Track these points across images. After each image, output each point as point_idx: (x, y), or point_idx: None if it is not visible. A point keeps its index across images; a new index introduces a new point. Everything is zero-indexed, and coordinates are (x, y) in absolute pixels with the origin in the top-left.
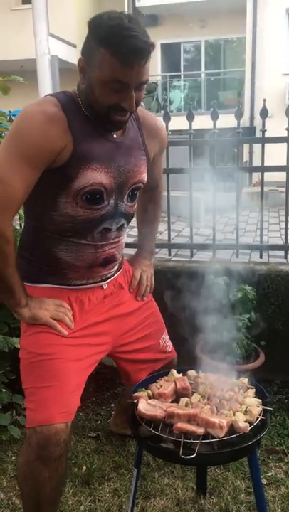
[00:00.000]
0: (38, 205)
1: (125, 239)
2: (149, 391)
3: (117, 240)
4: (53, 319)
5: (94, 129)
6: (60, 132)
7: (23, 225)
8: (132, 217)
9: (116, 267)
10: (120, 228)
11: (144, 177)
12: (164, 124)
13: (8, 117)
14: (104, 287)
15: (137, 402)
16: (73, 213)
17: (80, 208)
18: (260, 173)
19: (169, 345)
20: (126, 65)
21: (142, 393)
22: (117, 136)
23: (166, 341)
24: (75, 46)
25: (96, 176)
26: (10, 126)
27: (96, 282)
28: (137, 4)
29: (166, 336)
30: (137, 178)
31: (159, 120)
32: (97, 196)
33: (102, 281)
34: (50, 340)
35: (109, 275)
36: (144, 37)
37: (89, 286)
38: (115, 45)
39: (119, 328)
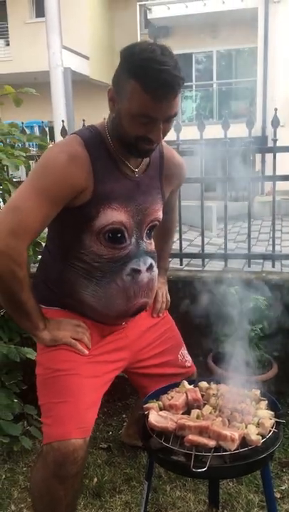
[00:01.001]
0: (66, 243)
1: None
2: (160, 402)
3: (151, 286)
4: (73, 339)
5: (116, 167)
6: (82, 172)
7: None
8: (155, 254)
9: None
10: (150, 268)
11: (160, 215)
12: (184, 163)
13: (21, 129)
14: (124, 324)
15: (148, 413)
16: (99, 252)
17: (103, 246)
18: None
19: (188, 360)
20: (156, 100)
21: (153, 404)
22: (138, 174)
23: (184, 356)
24: (87, 58)
25: (116, 215)
26: (35, 164)
27: (119, 324)
28: (149, 16)
29: (184, 351)
30: (153, 215)
31: (181, 159)
32: (119, 235)
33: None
34: (67, 356)
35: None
36: (175, 71)
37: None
38: (146, 79)
39: (137, 344)
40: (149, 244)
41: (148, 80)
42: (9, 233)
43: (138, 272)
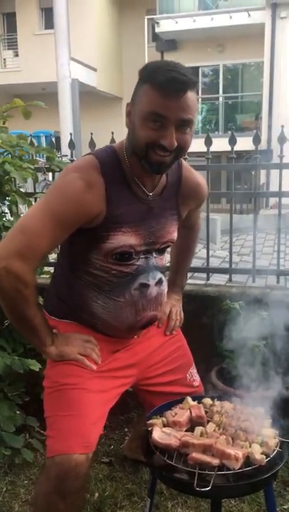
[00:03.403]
0: (74, 257)
1: (166, 297)
2: (164, 419)
3: (160, 300)
4: (80, 355)
5: (130, 190)
6: (97, 198)
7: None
8: (165, 269)
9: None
10: (159, 283)
11: (174, 236)
12: (204, 182)
13: (29, 140)
14: (135, 337)
15: (152, 429)
16: (106, 268)
17: (111, 264)
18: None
19: (197, 380)
20: (164, 96)
21: (157, 421)
22: (152, 197)
23: (193, 375)
24: (95, 70)
25: (126, 239)
26: (50, 186)
27: (130, 338)
28: (157, 29)
29: (193, 370)
30: (166, 237)
31: (201, 179)
32: (126, 256)
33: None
34: (75, 371)
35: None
36: (184, 71)
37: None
38: (156, 78)
39: (146, 361)
40: (160, 260)
41: (158, 78)
42: (15, 254)
43: (146, 286)
